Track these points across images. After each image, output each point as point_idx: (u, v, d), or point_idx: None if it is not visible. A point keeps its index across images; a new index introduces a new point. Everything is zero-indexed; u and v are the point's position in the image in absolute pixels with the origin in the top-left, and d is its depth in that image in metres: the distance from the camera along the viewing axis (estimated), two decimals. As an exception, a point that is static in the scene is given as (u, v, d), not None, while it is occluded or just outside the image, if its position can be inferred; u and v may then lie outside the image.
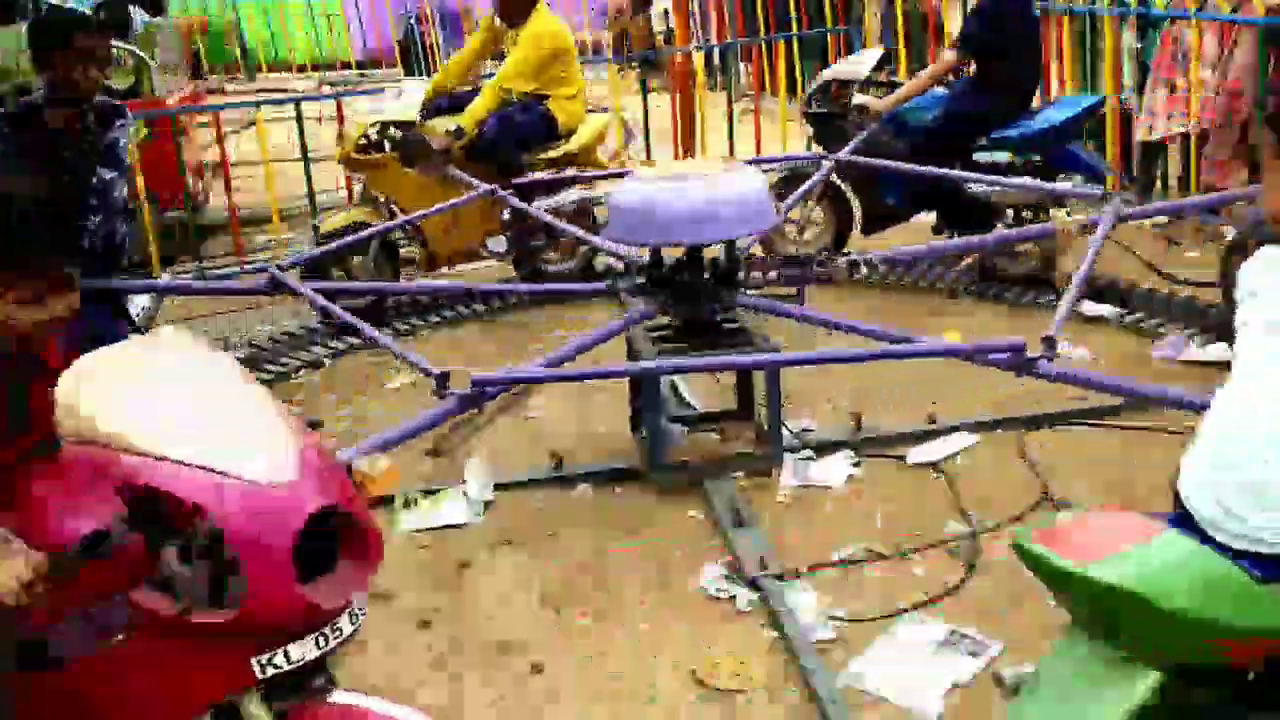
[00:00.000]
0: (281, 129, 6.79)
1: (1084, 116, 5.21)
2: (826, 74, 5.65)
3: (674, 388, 4.25)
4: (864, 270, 3.77)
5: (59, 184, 3.25)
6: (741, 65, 10.32)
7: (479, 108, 5.04)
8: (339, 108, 6.24)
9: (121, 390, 1.72)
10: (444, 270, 5.53)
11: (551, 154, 5.30)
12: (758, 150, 7.33)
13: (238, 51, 12.85)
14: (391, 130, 5.16)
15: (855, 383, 4.24)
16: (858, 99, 5.25)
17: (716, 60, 10.55)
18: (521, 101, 5.20)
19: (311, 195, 6.11)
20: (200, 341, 1.87)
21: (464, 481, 3.68)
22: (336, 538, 1.69)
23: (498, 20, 5.29)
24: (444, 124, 5.09)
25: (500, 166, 5.08)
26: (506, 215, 5.14)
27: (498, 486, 3.69)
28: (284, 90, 9.28)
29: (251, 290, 4.30)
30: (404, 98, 5.31)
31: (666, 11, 11.09)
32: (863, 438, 3.88)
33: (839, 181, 5.35)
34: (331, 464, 1.74)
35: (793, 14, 9.00)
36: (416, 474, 3.81)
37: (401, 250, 5.47)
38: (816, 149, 5.61)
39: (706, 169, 3.73)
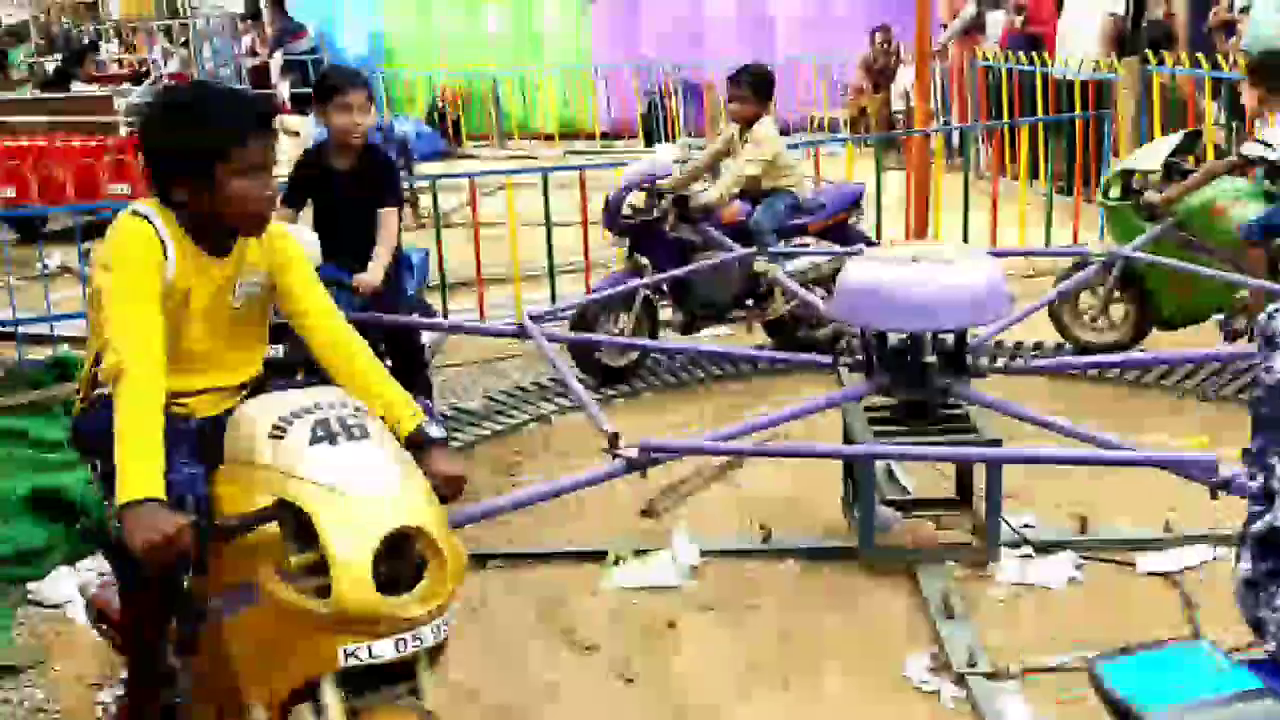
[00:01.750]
0: (528, 193, 7.20)
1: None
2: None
3: (888, 469, 4.19)
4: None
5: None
6: (981, 146, 10.14)
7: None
8: (581, 178, 6.57)
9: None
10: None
11: None
12: (993, 235, 7.17)
13: (493, 119, 13.74)
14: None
15: (1083, 481, 4.05)
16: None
17: (955, 141, 10.40)
18: None
19: (551, 258, 6.44)
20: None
21: (672, 544, 3.76)
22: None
23: None
24: None
25: None
26: None
27: (705, 552, 3.74)
28: (532, 157, 9.84)
29: (500, 332, 4.85)
30: None
31: (907, 92, 11.06)
32: (1088, 539, 3.70)
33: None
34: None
35: (1039, 97, 8.80)
36: (628, 532, 3.93)
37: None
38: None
39: (941, 253, 3.71)
